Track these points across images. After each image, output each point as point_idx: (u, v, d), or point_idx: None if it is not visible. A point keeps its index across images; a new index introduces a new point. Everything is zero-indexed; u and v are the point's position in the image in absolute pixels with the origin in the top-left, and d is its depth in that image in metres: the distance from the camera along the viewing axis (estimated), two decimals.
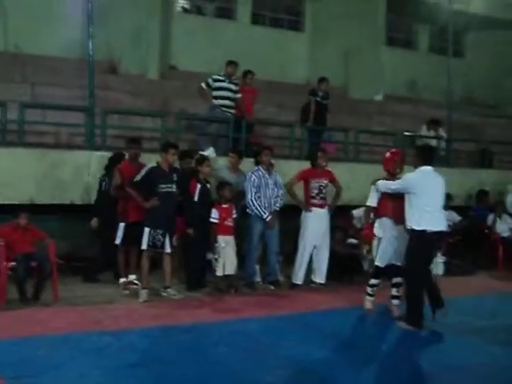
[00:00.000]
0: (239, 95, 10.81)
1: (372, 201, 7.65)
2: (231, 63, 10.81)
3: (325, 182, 9.18)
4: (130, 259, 8.62)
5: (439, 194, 7.27)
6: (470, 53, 21.68)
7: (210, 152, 9.92)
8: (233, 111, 10.72)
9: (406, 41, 20.76)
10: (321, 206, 9.14)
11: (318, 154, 9.28)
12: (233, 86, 10.73)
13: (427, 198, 7.07)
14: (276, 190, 9.05)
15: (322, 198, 9.16)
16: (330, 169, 9.39)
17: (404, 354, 6.44)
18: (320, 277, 9.27)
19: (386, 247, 7.48)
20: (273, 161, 9.33)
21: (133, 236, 8.26)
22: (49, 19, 13.85)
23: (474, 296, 9.27)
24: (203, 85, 10.73)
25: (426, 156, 7.44)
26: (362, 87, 17.29)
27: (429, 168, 7.30)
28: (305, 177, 9.19)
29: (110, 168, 8.86)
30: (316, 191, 9.11)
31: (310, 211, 9.06)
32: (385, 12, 17.65)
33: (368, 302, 7.70)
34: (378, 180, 7.54)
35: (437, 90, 18.13)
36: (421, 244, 7.12)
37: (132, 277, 8.59)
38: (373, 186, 7.58)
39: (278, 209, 9.06)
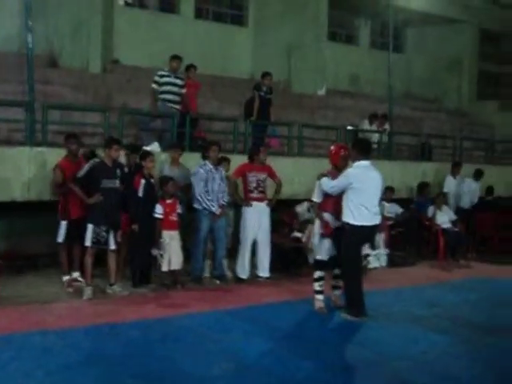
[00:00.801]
0: (184, 90, 10.74)
1: (317, 196, 7.71)
2: (175, 58, 10.71)
3: (263, 176, 9.27)
4: (74, 256, 8.49)
5: (376, 188, 7.44)
6: (409, 48, 22.17)
7: (154, 147, 9.85)
8: (178, 106, 10.64)
9: (347, 36, 21.12)
10: (259, 200, 9.23)
11: (261, 148, 9.38)
12: (178, 81, 10.65)
13: (365, 194, 7.22)
14: (223, 185, 9.06)
15: (260, 192, 9.25)
16: (268, 163, 9.47)
17: (346, 344, 6.56)
18: (263, 271, 9.36)
19: (327, 242, 7.58)
20: (227, 156, 9.48)
21: (75, 233, 8.15)
22: None
23: (416, 286, 9.51)
24: (154, 86, 10.54)
25: (364, 150, 7.57)
26: (304, 82, 17.46)
27: (366, 162, 7.45)
28: (242, 171, 9.28)
29: None
30: (254, 185, 9.20)
31: (250, 205, 9.15)
32: (327, 7, 17.82)
33: (318, 302, 7.63)
34: (324, 175, 7.59)
35: (378, 85, 18.51)
36: (357, 238, 7.33)
37: (76, 274, 8.48)
38: (318, 181, 7.63)
39: (224, 203, 9.07)
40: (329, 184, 7.42)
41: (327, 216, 7.58)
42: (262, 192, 9.29)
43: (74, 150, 8.44)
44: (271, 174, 9.45)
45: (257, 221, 9.21)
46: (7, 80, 11.29)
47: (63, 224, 8.32)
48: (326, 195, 7.55)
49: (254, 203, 9.19)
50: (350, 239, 7.29)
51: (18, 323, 6.70)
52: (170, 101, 10.51)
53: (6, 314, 7.07)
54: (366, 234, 7.47)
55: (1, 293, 7.65)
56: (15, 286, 8.26)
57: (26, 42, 9.47)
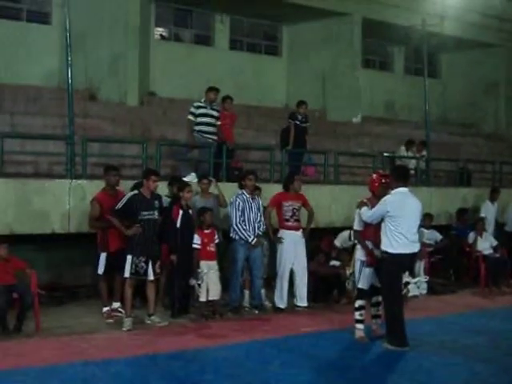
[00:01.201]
0: (220, 122, 10.80)
1: (358, 224, 7.67)
2: (213, 89, 10.77)
3: (298, 204, 9.31)
4: (114, 287, 8.56)
5: (415, 215, 7.36)
6: (444, 73, 22.05)
7: (191, 178, 9.94)
8: (215, 137, 10.71)
9: (382, 63, 21.08)
10: (295, 229, 9.25)
11: (295, 177, 9.43)
12: (214, 112, 10.72)
13: (403, 221, 7.15)
14: (259, 214, 9.10)
15: (296, 221, 9.29)
16: (304, 192, 9.49)
17: (387, 374, 6.45)
18: (301, 300, 9.31)
19: (368, 269, 7.53)
20: (260, 185, 9.48)
21: (115, 264, 8.22)
22: (26, 48, 13.90)
23: (457, 314, 9.34)
24: (190, 117, 10.61)
25: (401, 176, 7.52)
26: (340, 110, 17.46)
27: (405, 189, 7.39)
28: (278, 201, 9.33)
29: None
30: (290, 214, 9.23)
31: (281, 243, 9.16)
32: (360, 35, 17.88)
33: (359, 331, 7.57)
34: (364, 203, 7.54)
35: (413, 111, 18.44)
36: (396, 266, 7.25)
37: (116, 305, 8.54)
38: (358, 210, 7.60)
39: (261, 233, 9.09)
40: (367, 214, 7.39)
41: (369, 244, 7.54)
42: (298, 220, 9.32)
43: (112, 182, 8.56)
44: (304, 203, 9.48)
45: (293, 250, 9.20)
46: (48, 114, 11.57)
47: (103, 256, 8.41)
48: (367, 223, 7.51)
49: (290, 232, 9.21)
50: (389, 268, 7.22)
51: (59, 354, 6.76)
52: (205, 132, 10.59)
53: (47, 344, 7.15)
54: (404, 262, 7.38)
55: (42, 323, 7.76)
56: (56, 317, 8.36)
57: (65, 77, 9.70)
